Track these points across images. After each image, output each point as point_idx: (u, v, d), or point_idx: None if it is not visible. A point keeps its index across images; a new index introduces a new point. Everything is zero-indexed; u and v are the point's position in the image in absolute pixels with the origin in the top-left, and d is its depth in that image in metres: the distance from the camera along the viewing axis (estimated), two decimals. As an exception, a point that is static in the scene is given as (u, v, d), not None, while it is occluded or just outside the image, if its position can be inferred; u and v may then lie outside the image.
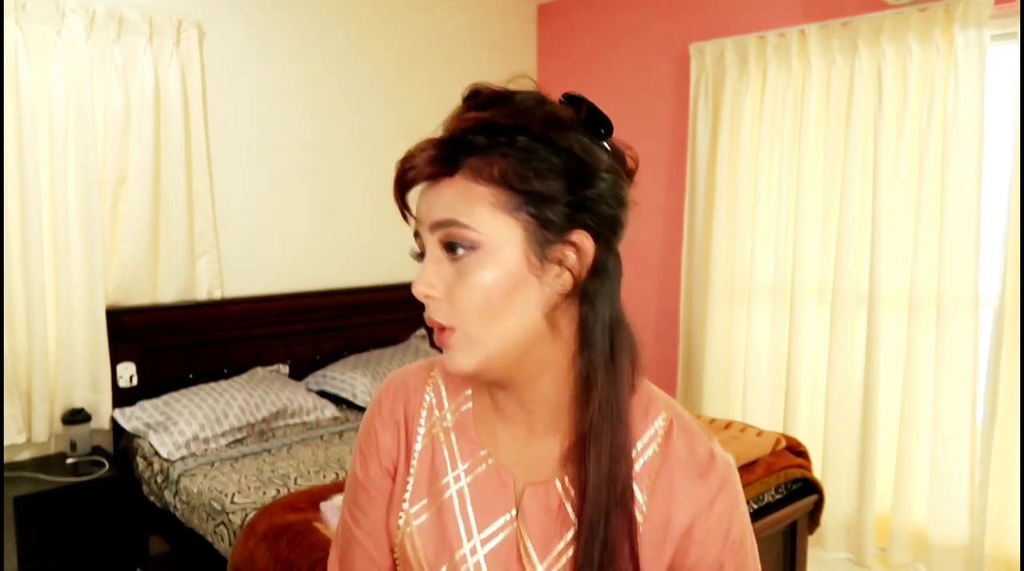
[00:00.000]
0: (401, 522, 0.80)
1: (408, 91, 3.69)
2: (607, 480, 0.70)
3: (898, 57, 2.91)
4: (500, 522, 0.77)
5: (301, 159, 3.35)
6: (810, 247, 3.22)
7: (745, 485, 2.35)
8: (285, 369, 3.24)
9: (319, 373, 3.25)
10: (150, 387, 2.85)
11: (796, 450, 2.65)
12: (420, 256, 0.73)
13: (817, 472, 2.99)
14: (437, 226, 0.69)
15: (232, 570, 2.06)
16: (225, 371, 3.06)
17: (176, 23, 2.85)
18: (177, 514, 2.44)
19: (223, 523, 2.21)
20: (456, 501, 0.78)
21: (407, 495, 0.80)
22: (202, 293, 3.04)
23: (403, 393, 0.84)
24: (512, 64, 4.18)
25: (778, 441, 2.58)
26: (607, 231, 0.70)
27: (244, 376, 2.97)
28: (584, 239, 0.69)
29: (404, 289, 3.37)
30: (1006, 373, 2.74)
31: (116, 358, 2.79)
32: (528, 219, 0.67)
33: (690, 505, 0.73)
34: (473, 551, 0.76)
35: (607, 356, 0.71)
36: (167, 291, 2.93)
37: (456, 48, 3.88)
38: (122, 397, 2.79)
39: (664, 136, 3.78)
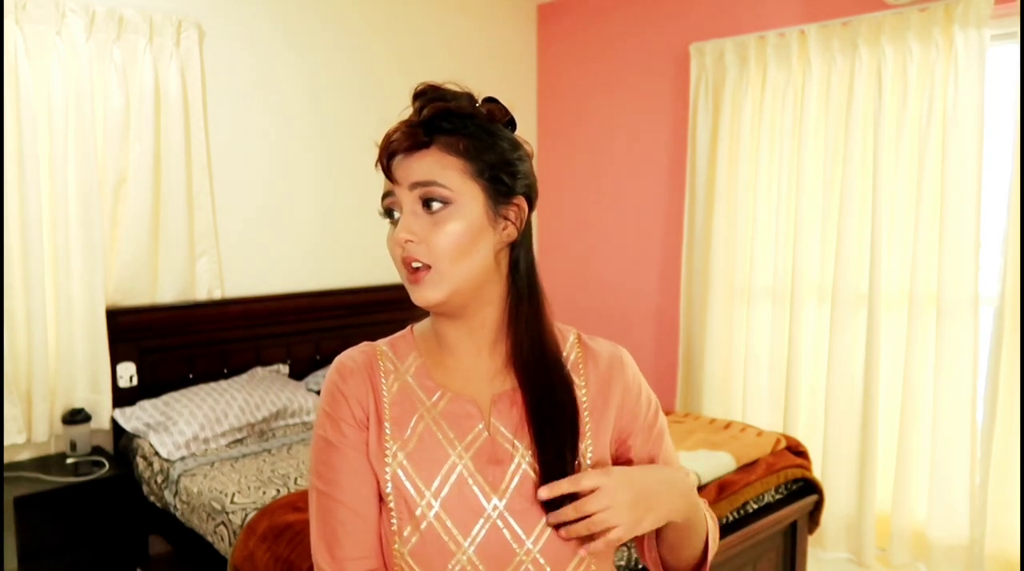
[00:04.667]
0: (388, 457, 0.91)
1: (408, 91, 3.67)
2: (537, 369, 0.92)
3: (898, 57, 2.91)
4: (475, 431, 0.92)
5: (301, 159, 3.35)
6: (810, 247, 3.22)
7: (745, 485, 2.36)
8: (285, 369, 3.24)
9: (319, 373, 3.25)
10: (150, 387, 2.85)
11: (796, 450, 2.65)
12: (387, 213, 0.93)
13: (817, 472, 3.00)
14: (417, 185, 0.88)
15: (232, 570, 2.06)
16: (225, 371, 3.06)
17: (176, 23, 2.85)
18: (177, 514, 2.45)
19: (223, 523, 2.21)
20: (434, 427, 0.92)
21: (387, 435, 0.92)
22: (202, 293, 3.04)
23: (360, 360, 0.97)
24: (512, 64, 4.18)
25: (778, 441, 2.58)
26: (531, 198, 0.93)
27: (244, 376, 2.98)
28: (523, 201, 0.91)
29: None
30: (1006, 373, 2.74)
31: (116, 358, 2.79)
32: (486, 184, 0.88)
33: (616, 384, 0.98)
34: (460, 456, 0.90)
35: (529, 287, 0.94)
36: (167, 291, 2.93)
37: (456, 48, 3.88)
38: (122, 397, 2.79)
39: (664, 136, 3.77)
